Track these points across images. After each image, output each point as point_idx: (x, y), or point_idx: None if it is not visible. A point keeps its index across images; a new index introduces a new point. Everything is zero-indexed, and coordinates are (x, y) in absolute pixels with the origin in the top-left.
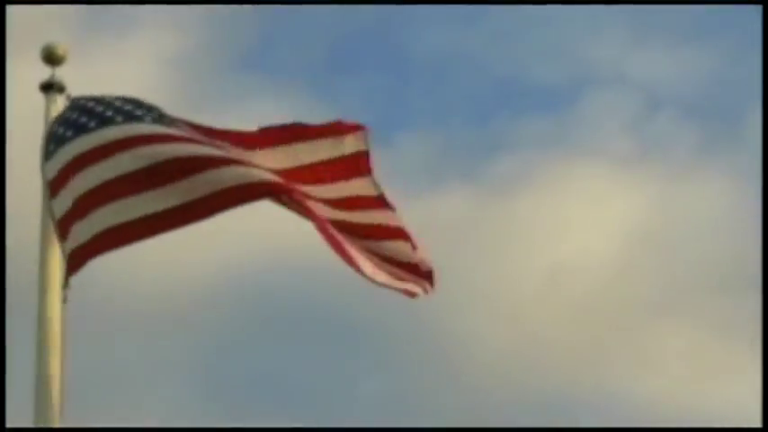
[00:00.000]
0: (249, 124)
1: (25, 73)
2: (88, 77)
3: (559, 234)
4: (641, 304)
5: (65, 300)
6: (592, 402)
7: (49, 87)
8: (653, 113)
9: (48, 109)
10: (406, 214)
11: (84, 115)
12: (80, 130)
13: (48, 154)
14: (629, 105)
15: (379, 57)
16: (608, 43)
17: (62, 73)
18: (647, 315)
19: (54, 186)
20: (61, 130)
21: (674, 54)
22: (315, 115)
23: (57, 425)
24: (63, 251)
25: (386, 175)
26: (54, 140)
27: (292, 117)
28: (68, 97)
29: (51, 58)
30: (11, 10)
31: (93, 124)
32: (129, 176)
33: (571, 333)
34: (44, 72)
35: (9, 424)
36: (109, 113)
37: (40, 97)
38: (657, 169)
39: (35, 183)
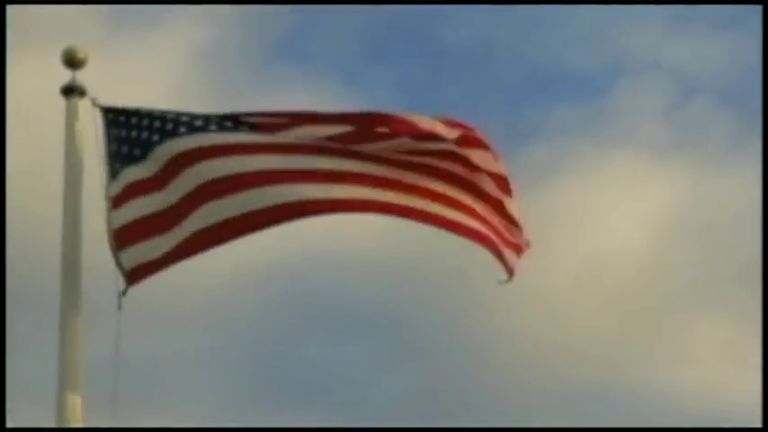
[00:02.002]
0: None
1: (54, 69)
2: (119, 70)
3: (593, 224)
4: (677, 295)
5: (120, 307)
6: (627, 394)
7: (70, 91)
8: (688, 100)
9: (69, 113)
10: None
11: (144, 131)
12: (147, 147)
13: (114, 172)
14: (664, 92)
15: (411, 46)
16: (642, 30)
17: (91, 68)
18: (683, 306)
19: (116, 201)
20: (126, 149)
21: (709, 40)
22: (347, 105)
23: (79, 424)
24: (117, 259)
25: None
26: (120, 160)
27: (325, 107)
28: (94, 103)
29: (72, 61)
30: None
31: (156, 138)
32: (191, 194)
33: (606, 324)
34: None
35: (32, 424)
36: (169, 126)
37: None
38: (693, 157)
39: (57, 185)
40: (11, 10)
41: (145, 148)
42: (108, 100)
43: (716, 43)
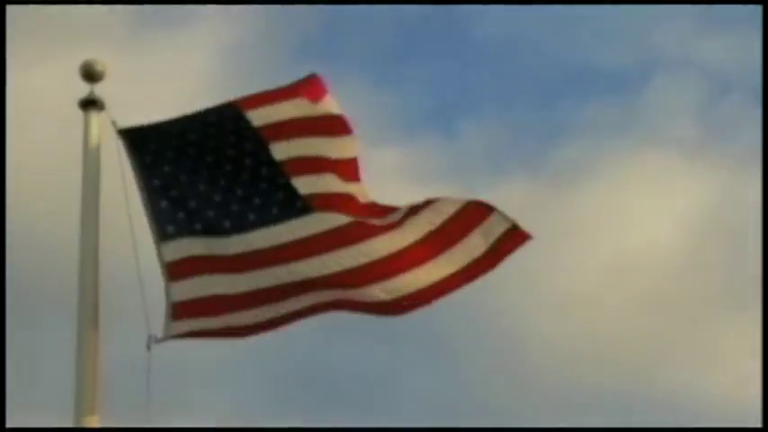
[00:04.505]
0: None
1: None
2: (146, 66)
3: (625, 224)
4: (708, 298)
5: (149, 347)
6: (654, 397)
7: (88, 104)
8: (721, 99)
9: (87, 126)
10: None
11: (202, 202)
12: (210, 225)
13: (165, 236)
14: (697, 91)
15: (441, 42)
16: (676, 27)
17: (118, 67)
18: (715, 309)
19: (173, 272)
20: (183, 216)
21: (742, 38)
22: (377, 102)
23: (96, 424)
24: (168, 326)
25: (449, 165)
26: (172, 222)
27: (354, 106)
28: (115, 125)
29: (90, 74)
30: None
31: (226, 223)
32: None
33: (634, 325)
34: (111, 58)
35: (48, 423)
36: (210, 214)
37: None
38: (725, 156)
39: (74, 193)
40: (39, 9)
41: (208, 226)
42: (137, 98)
43: (749, 41)
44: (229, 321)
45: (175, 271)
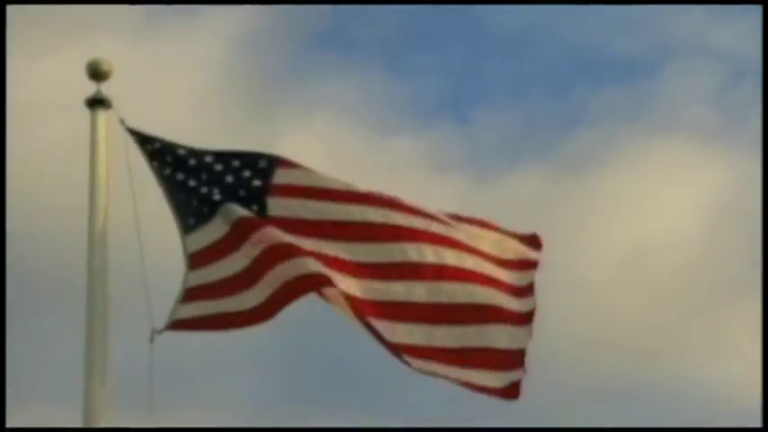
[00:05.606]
0: (323, 104)
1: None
2: (159, 57)
3: (640, 212)
4: (725, 284)
5: (152, 340)
6: (668, 388)
7: (95, 103)
8: (737, 84)
9: (94, 125)
10: (485, 193)
11: (201, 183)
12: (212, 204)
13: (188, 228)
14: (712, 76)
15: (455, 31)
16: (690, 13)
17: (131, 57)
18: (732, 296)
19: (194, 261)
20: (196, 203)
21: (755, 22)
22: (391, 91)
23: (105, 422)
24: (176, 310)
25: (463, 153)
26: (193, 215)
27: (368, 94)
28: (123, 123)
29: (96, 73)
30: None
31: (217, 196)
32: (241, 274)
33: (652, 315)
34: (123, 42)
35: (57, 423)
36: (228, 179)
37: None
38: (742, 142)
39: (81, 191)
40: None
41: (211, 206)
42: (146, 90)
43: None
44: (229, 306)
45: (195, 261)
